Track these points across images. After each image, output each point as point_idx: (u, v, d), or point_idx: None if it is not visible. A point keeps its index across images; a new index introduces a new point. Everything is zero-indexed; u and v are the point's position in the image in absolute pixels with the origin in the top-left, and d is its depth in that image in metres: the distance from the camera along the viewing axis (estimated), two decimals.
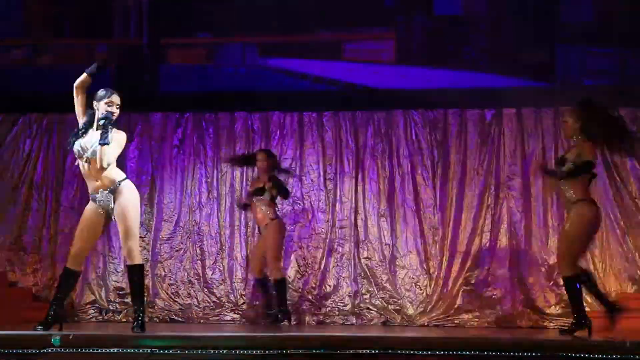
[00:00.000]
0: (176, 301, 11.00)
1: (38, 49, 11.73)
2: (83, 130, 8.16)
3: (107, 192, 8.13)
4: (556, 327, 10.26)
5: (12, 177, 11.36)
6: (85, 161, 8.12)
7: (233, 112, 11.31)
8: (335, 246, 11.00)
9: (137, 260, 8.26)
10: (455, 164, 10.96)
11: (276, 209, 10.41)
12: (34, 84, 11.44)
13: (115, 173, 8.17)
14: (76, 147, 8.13)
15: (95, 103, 8.14)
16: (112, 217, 8.19)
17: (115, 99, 8.14)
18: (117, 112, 8.13)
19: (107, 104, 8.10)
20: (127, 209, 8.15)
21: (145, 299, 8.73)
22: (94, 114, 8.13)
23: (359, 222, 10.99)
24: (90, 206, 8.24)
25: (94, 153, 8.06)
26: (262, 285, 10.41)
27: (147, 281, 10.88)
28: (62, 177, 11.29)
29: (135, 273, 8.25)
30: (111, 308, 11.00)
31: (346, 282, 10.90)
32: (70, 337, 7.44)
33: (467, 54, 11.05)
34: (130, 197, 8.20)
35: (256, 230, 10.76)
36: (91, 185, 8.19)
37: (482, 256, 10.74)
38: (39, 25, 11.68)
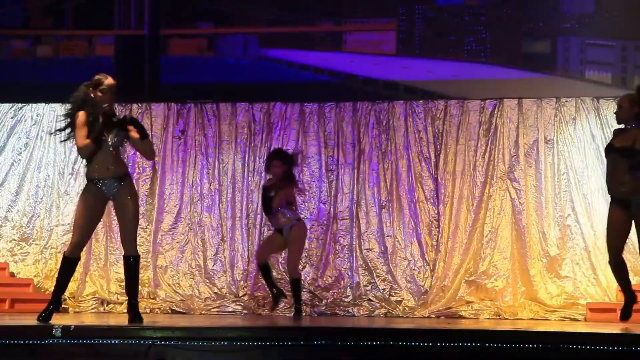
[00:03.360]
0: (177, 292, 10.99)
1: (38, 39, 11.72)
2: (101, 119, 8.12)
3: (115, 179, 8.13)
4: (557, 318, 10.26)
5: (15, 167, 11.35)
6: (111, 148, 8.09)
7: (234, 102, 11.30)
8: (337, 237, 11.00)
9: (137, 251, 8.32)
10: (457, 155, 10.95)
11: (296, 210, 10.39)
12: (35, 75, 11.42)
13: (124, 163, 8.25)
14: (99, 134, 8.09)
15: (91, 90, 8.11)
16: (111, 205, 8.22)
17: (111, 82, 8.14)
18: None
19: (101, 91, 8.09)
20: (133, 199, 8.20)
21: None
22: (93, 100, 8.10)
23: (360, 214, 10.98)
24: (90, 192, 8.17)
25: (119, 141, 8.08)
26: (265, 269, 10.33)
27: (149, 272, 10.91)
28: (65, 166, 11.28)
29: (138, 264, 8.32)
30: (112, 299, 10.99)
31: (347, 274, 10.89)
32: (72, 328, 7.45)
33: (469, 45, 11.04)
34: (134, 188, 8.30)
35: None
36: (101, 169, 8.13)
37: (483, 248, 10.73)
38: (38, 16, 11.66)
